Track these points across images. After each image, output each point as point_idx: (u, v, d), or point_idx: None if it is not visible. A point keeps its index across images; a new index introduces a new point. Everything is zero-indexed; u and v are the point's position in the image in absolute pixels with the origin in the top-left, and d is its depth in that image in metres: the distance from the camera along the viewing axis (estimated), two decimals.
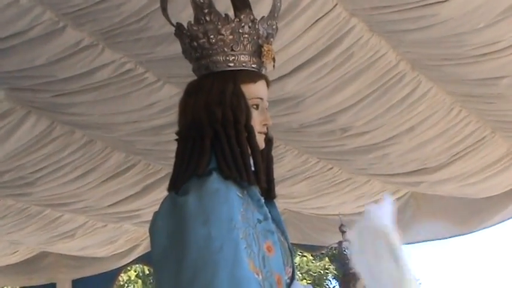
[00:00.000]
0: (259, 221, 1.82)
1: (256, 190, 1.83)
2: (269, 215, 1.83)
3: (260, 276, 1.73)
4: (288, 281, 1.84)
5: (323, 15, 2.57)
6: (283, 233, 1.89)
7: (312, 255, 8.76)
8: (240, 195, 1.80)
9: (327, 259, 8.54)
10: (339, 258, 2.55)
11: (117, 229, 4.39)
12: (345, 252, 2.58)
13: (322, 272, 9.14)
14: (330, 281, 9.05)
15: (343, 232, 2.88)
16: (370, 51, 2.82)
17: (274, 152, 2.00)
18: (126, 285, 8.37)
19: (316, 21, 2.59)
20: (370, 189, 4.14)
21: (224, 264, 1.67)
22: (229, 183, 1.78)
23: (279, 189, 1.92)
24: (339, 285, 2.42)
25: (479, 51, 2.74)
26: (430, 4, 2.43)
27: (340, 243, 2.87)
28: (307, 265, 9.23)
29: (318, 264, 9.19)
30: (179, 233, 1.75)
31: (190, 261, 1.67)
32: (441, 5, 2.43)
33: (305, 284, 2.23)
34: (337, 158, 3.80)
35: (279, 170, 3.35)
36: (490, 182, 3.70)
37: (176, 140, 1.89)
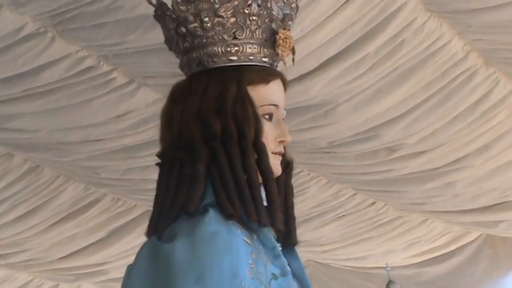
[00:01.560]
0: (275, 277, 1.83)
1: (270, 234, 1.84)
2: (288, 269, 1.84)
3: None
4: None
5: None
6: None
7: None
8: (248, 241, 1.80)
9: None
10: None
11: None
12: None
13: None
14: None
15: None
16: (427, 39, 2.98)
17: (295, 181, 2.05)
18: None
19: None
20: (427, 231, 4.36)
21: None
22: (232, 225, 1.78)
23: (301, 233, 1.91)
24: None
25: None
26: None
27: None
28: None
29: None
30: (169, 279, 1.77)
31: None
32: None
33: None
34: (381, 189, 4.04)
35: (301, 206, 3.55)
36: None
37: (158, 164, 1.90)
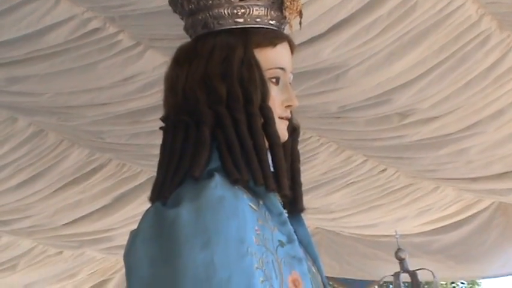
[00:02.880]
0: (282, 244, 1.92)
1: (276, 200, 1.91)
2: (295, 236, 1.92)
3: None
4: None
5: None
6: (314, 261, 1.99)
7: None
8: (254, 207, 1.88)
9: None
10: None
11: (77, 258, 4.73)
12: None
13: None
14: None
15: (401, 260, 2.95)
16: (440, 2, 3.02)
17: (304, 147, 2.14)
18: None
19: None
20: (439, 199, 4.49)
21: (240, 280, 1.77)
22: (239, 190, 1.86)
23: (309, 200, 2.01)
24: None
25: None
26: None
27: (396, 275, 2.98)
28: None
29: None
30: (168, 261, 1.83)
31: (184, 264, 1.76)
32: None
33: None
34: (393, 155, 4.10)
35: (310, 173, 3.66)
36: None
37: (161, 128, 1.97)
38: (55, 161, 3.65)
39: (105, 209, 4.09)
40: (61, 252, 4.52)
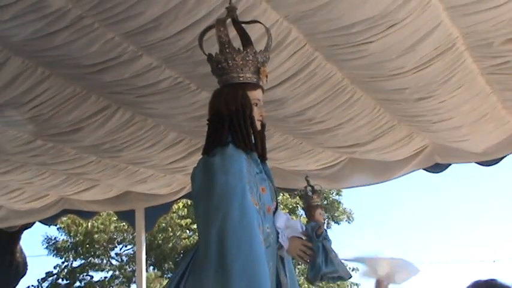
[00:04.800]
0: (257, 173, 3.76)
1: (255, 155, 3.79)
2: (263, 170, 3.79)
3: (257, 206, 3.66)
4: (274, 210, 4.14)
5: (297, 50, 5.01)
6: (271, 180, 3.88)
7: (289, 194, 16.55)
8: (246, 157, 3.69)
9: (297, 197, 15.57)
10: (304, 197, 4.44)
11: (171, 178, 7.72)
12: (307, 193, 4.44)
13: (295, 205, 17.58)
14: (300, 211, 17.23)
15: (307, 181, 4.50)
16: (326, 72, 5.35)
17: (267, 133, 4.08)
18: (176, 211, 17.12)
19: (293, 54, 5.01)
20: (324, 156, 7.17)
21: (236, 198, 3.50)
22: (240, 151, 3.67)
23: (269, 155, 3.96)
24: (305, 214, 4.46)
25: (392, 73, 5.32)
26: (363, 44, 4.83)
27: (305, 187, 4.45)
28: (286, 201, 17.36)
29: (292, 200, 17.35)
30: (209, 179, 3.57)
31: (216, 195, 3.51)
32: (369, 44, 4.82)
33: (284, 212, 4.31)
34: (305, 136, 6.66)
35: (269, 144, 5.06)
36: (397, 152, 6.95)
37: (207, 124, 3.88)
38: (163, 137, 6.62)
39: (183, 158, 7.05)
40: (165, 175, 7.81)
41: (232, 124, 3.88)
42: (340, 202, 21.45)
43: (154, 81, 5.28)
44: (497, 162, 7.08)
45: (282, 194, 15.50)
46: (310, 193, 4.43)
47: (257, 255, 3.61)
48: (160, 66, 5.11)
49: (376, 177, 7.31)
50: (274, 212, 3.98)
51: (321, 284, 18.72)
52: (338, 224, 21.34)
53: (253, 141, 3.94)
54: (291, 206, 17.25)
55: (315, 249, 4.14)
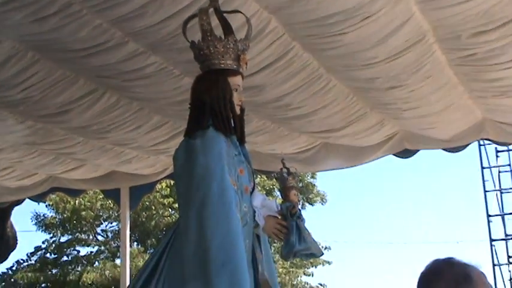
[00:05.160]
0: (236, 155, 3.76)
1: (234, 138, 3.78)
2: (241, 152, 3.79)
3: (235, 187, 3.70)
4: (251, 190, 4.16)
5: (276, 40, 5.04)
6: (249, 162, 3.89)
7: (266, 177, 16.25)
8: (226, 140, 3.69)
9: (274, 179, 15.47)
10: (280, 178, 4.55)
11: (155, 159, 7.69)
12: (283, 175, 4.75)
13: (271, 187, 17.57)
14: (276, 192, 17.12)
15: (283, 163, 4.60)
16: (303, 61, 5.36)
17: (246, 118, 4.09)
18: (160, 191, 17.18)
19: (272, 43, 5.06)
20: (300, 140, 7.18)
21: (215, 178, 3.54)
22: (220, 134, 3.67)
23: (248, 139, 3.95)
24: (281, 194, 4.51)
25: (365, 62, 5.35)
26: (338, 34, 4.86)
27: (281, 169, 4.56)
28: (263, 182, 17.48)
29: (269, 182, 17.40)
30: (190, 160, 3.57)
31: (196, 175, 3.54)
32: (344, 35, 4.86)
33: (261, 193, 4.41)
34: (283, 122, 6.74)
35: (248, 128, 4.98)
36: (368, 137, 6.99)
37: (189, 108, 3.94)
38: (147, 120, 6.65)
39: (166, 140, 7.05)
40: (149, 157, 7.78)
41: (213, 108, 3.90)
42: (314, 185, 21.53)
43: (140, 67, 5.30)
44: (462, 149, 7.13)
45: (259, 176, 15.50)
46: (285, 175, 4.46)
47: (234, 232, 3.63)
48: (145, 52, 5.12)
49: (348, 161, 7.38)
50: (252, 192, 4.01)
51: (295, 261, 18.84)
52: (312, 205, 21.46)
53: (233, 125, 3.96)
54: (268, 188, 17.30)
55: (289, 227, 4.17)
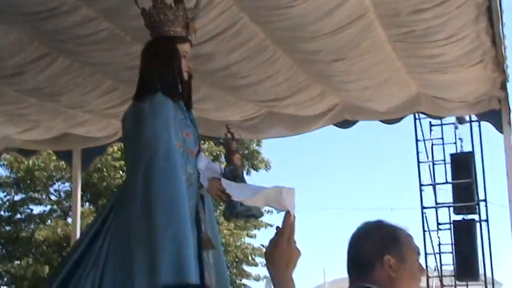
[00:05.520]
0: (182, 119, 3.88)
1: (181, 103, 3.93)
2: (188, 117, 4.08)
3: (181, 149, 3.82)
4: (197, 153, 4.15)
5: (225, 10, 5.00)
6: (195, 126, 4.01)
7: (213, 143, 15.76)
8: (173, 105, 3.83)
9: (221, 146, 15.06)
10: (224, 142, 4.50)
11: (107, 122, 7.52)
12: (227, 139, 4.62)
13: (218, 153, 16.83)
14: (222, 158, 15.64)
15: (227, 128, 4.52)
16: (250, 32, 5.32)
17: (195, 85, 4.24)
18: (112, 154, 17.03)
19: (221, 13, 5.01)
20: (246, 108, 7.16)
21: (162, 141, 3.67)
22: (168, 98, 3.82)
23: (196, 106, 4.10)
24: (225, 158, 4.49)
25: (310, 35, 5.38)
26: (285, 8, 4.87)
27: (225, 134, 4.48)
28: (210, 148, 16.95)
29: (216, 148, 16.79)
30: (138, 123, 3.71)
31: (144, 138, 3.67)
32: (291, 8, 4.87)
33: (206, 157, 4.44)
34: (230, 90, 6.67)
35: (197, 95, 5.49)
36: (311, 108, 7.05)
37: (139, 73, 4.08)
38: (97, 84, 6.46)
39: (118, 105, 6.78)
40: (101, 120, 7.57)
41: (161, 74, 3.93)
42: (259, 152, 21.59)
43: (92, 32, 5.23)
44: (398, 121, 7.21)
45: (207, 143, 15.48)
46: (230, 139, 4.44)
47: (179, 192, 3.65)
48: (98, 18, 5.06)
49: (292, 130, 7.40)
50: (197, 155, 4.02)
51: (239, 223, 18.93)
52: (257, 171, 21.52)
53: (180, 90, 3.92)
54: (215, 154, 17.27)
55: None
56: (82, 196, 9.94)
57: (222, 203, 4.36)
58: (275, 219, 21.48)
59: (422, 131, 17.29)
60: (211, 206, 4.30)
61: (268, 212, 19.49)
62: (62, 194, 20.55)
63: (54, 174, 19.64)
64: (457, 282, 16.72)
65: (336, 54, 5.73)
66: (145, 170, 3.65)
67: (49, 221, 19.91)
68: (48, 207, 20.65)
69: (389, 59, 5.91)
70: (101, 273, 3.73)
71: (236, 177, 4.20)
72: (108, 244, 3.82)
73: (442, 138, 17.46)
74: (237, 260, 19.49)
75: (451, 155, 17.03)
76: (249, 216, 4.37)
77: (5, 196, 20.61)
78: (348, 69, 5.97)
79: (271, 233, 2.32)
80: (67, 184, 19.95)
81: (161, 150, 3.67)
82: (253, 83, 6.28)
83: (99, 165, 18.04)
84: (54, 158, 17.49)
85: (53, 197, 20.74)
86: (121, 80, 6.12)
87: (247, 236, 20.52)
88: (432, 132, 17.64)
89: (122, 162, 17.25)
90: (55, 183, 20.43)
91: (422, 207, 17.07)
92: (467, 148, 16.93)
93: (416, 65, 6.02)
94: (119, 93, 6.40)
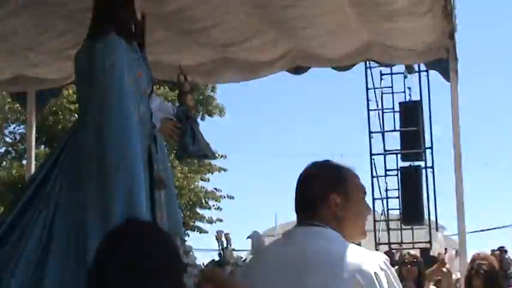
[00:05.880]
0: (135, 59, 4.04)
1: (135, 43, 4.10)
2: (141, 57, 4.12)
3: (134, 88, 3.95)
4: (150, 93, 4.14)
5: None
6: (148, 67, 4.18)
7: (169, 88, 15.90)
8: (126, 44, 3.99)
9: (176, 90, 14.98)
10: (178, 83, 4.55)
11: (62, 64, 7.17)
12: (180, 80, 4.61)
13: (173, 97, 15.31)
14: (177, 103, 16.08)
15: (180, 70, 4.63)
16: None
17: (150, 28, 4.26)
18: (67, 97, 16.97)
19: None
20: (201, 53, 7.01)
21: (115, 79, 3.78)
22: (121, 38, 3.97)
23: (151, 49, 4.08)
24: (177, 99, 4.52)
25: None
26: None
27: (178, 75, 4.54)
28: (166, 94, 16.37)
29: (171, 93, 16.07)
30: (91, 62, 3.86)
31: (97, 77, 3.79)
32: None
33: (159, 97, 4.46)
34: (185, 33, 6.50)
35: (152, 38, 5.38)
36: (264, 53, 7.04)
37: (93, 13, 4.06)
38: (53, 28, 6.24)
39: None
40: (57, 62, 7.18)
41: (115, 14, 3.91)
42: (214, 98, 21.56)
43: None
44: (349, 68, 7.25)
45: (162, 88, 15.37)
46: (182, 81, 4.42)
47: (131, 131, 3.66)
48: None
49: (245, 75, 7.40)
50: (150, 96, 4.03)
51: (193, 167, 18.96)
52: (211, 117, 21.52)
53: (133, 31, 3.97)
54: (170, 99, 17.23)
55: (184, 129, 4.16)
56: (37, 138, 9.81)
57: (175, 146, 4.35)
58: (229, 164, 21.57)
59: (372, 79, 17.48)
60: (164, 146, 4.29)
61: (222, 157, 19.56)
62: (17, 136, 20.35)
63: (9, 116, 19.41)
64: (403, 226, 17.10)
65: (288, 0, 5.70)
66: (97, 110, 3.64)
67: (4, 163, 19.74)
68: (3, 149, 20.46)
69: (341, 6, 5.91)
70: (53, 212, 3.72)
71: (188, 118, 4.20)
72: (60, 184, 3.80)
73: (392, 87, 17.68)
74: (190, 202, 19.56)
75: (400, 103, 17.28)
76: (201, 156, 4.38)
77: None
78: (300, 15, 5.96)
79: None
80: (22, 127, 19.76)
81: (114, 89, 3.72)
82: (207, 27, 6.21)
83: (54, 108, 17.86)
84: (9, 100, 17.25)
85: (7, 139, 20.54)
86: (76, 21, 5.98)
87: (201, 180, 20.57)
88: (382, 81, 17.82)
89: (77, 105, 17.15)
90: (10, 126, 20.21)
91: (371, 154, 17.34)
92: (415, 97, 17.17)
93: (367, 12, 6.03)
94: (73, 35, 6.25)
